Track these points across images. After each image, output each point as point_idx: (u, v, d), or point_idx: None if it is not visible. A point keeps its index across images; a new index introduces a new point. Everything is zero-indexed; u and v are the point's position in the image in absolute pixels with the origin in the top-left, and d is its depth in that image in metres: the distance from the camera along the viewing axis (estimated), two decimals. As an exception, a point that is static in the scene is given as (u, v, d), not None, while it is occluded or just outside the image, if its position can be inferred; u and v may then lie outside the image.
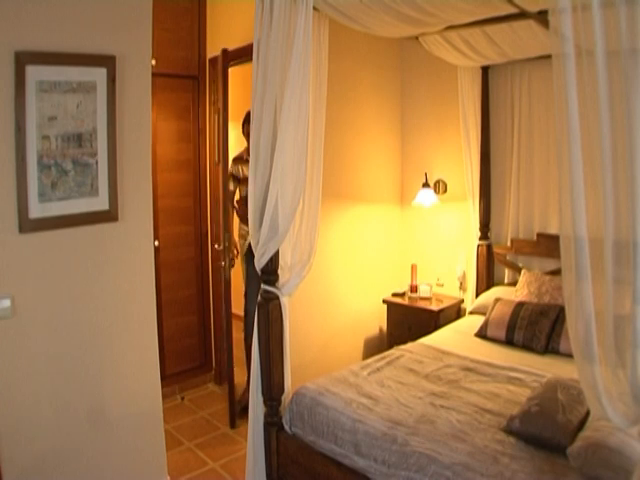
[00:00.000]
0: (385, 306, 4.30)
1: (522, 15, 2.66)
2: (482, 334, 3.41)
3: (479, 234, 4.02)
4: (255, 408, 2.55)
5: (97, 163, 2.41)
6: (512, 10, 2.55)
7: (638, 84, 1.46)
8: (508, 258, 3.96)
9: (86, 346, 2.47)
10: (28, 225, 2.24)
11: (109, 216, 2.48)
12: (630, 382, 1.55)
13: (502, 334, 3.31)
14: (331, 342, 4.07)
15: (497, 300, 3.56)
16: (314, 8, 2.31)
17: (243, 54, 3.54)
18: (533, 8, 2.55)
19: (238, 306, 4.06)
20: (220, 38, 3.98)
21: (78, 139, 2.35)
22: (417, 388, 2.66)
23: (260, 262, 2.40)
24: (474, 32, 3.20)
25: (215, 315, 4.30)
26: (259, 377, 2.50)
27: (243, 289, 3.96)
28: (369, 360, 3.05)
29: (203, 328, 4.28)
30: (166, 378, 3.74)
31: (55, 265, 2.35)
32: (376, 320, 4.43)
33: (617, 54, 1.46)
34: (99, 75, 2.37)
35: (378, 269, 4.44)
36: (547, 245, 3.64)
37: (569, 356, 2.05)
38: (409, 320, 4.11)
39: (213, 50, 4.04)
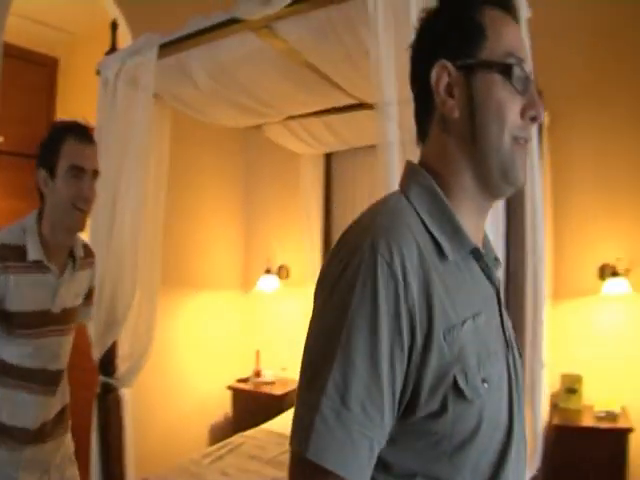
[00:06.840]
0: (230, 392, 4.28)
1: (360, 105, 2.79)
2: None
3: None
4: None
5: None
6: (351, 101, 2.69)
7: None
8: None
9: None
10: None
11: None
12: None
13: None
14: (176, 430, 3.92)
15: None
16: (156, 95, 2.33)
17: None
18: (371, 99, 2.75)
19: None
20: (72, 116, 3.93)
21: None
22: (259, 475, 2.66)
23: (99, 352, 2.34)
24: (314, 120, 3.26)
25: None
26: (99, 472, 2.37)
27: None
28: (211, 448, 3.01)
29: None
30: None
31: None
32: (222, 406, 4.37)
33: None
34: None
35: (223, 355, 4.42)
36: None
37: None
38: (254, 405, 4.11)
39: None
